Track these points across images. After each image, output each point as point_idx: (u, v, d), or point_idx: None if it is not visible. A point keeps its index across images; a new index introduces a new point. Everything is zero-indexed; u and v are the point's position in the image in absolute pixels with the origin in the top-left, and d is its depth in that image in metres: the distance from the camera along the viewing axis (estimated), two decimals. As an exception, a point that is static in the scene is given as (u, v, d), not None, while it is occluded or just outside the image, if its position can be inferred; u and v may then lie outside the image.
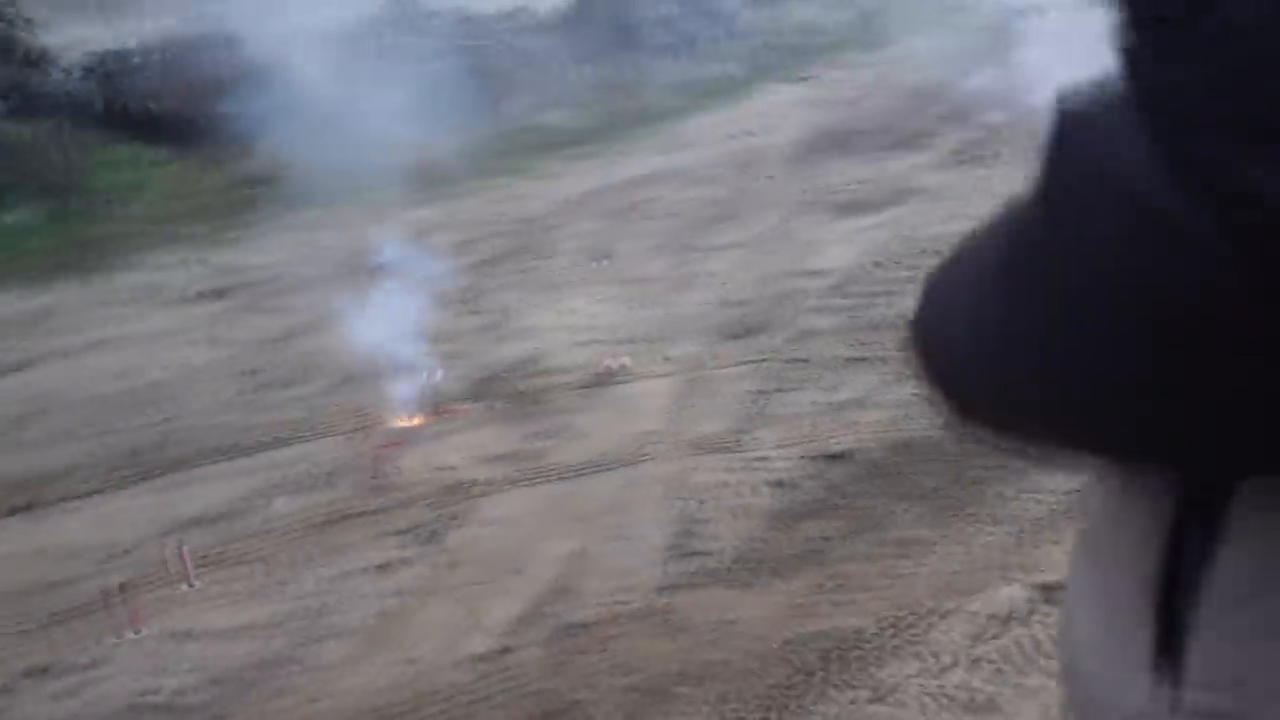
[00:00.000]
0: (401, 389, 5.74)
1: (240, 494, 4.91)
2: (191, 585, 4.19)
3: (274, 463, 5.19)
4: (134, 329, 6.77)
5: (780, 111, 12.72)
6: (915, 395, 5.45)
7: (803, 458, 5.18)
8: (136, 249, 8.16)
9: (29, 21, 9.70)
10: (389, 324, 6.71)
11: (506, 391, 5.91)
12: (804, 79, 14.60)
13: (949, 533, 4.54)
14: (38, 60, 9.46)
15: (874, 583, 4.20)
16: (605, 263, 7.82)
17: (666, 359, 6.32)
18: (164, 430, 5.52)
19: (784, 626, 3.96)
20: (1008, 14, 20.55)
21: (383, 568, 4.33)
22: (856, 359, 6.15)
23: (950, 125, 11.60)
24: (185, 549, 4.16)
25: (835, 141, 11.22)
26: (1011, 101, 12.83)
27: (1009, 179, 9.28)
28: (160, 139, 9.92)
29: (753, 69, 14.98)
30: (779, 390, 5.84)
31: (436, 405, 5.62)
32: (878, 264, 7.64)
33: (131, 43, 11.01)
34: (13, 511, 4.78)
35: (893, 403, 5.63)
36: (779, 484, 4.97)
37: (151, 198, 9.11)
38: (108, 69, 10.32)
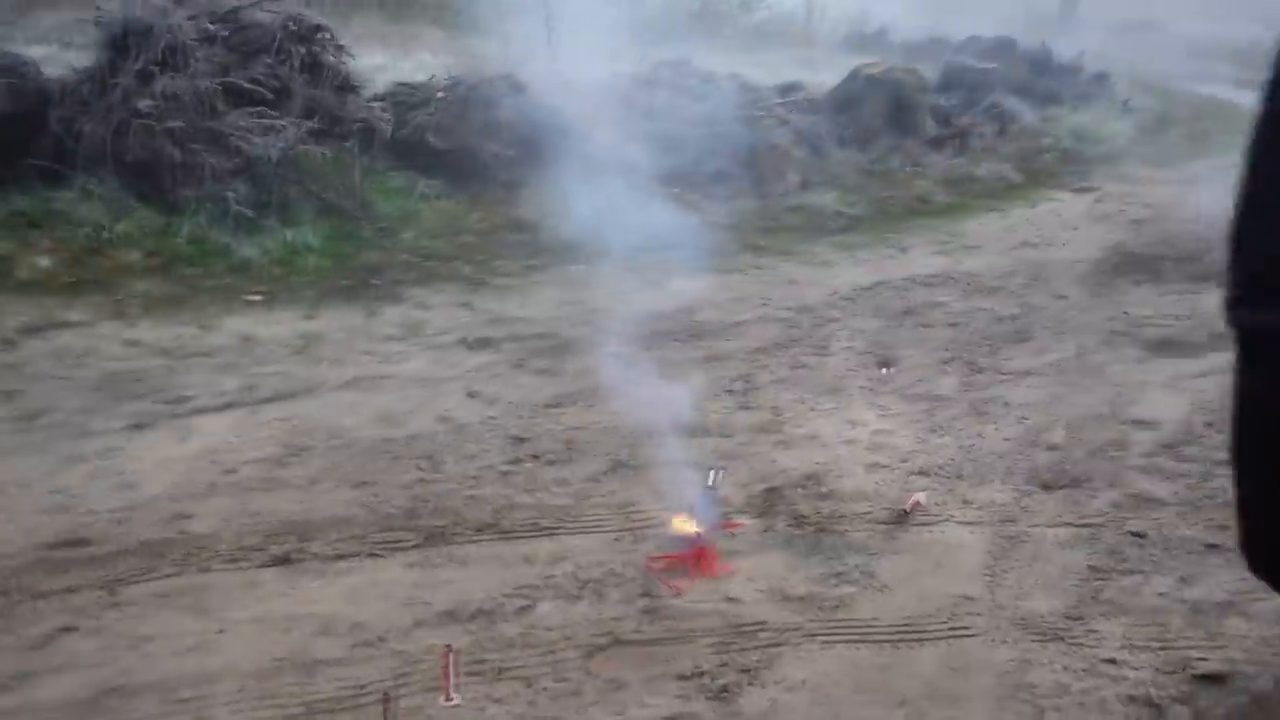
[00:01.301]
0: (677, 489, 5.14)
1: (500, 589, 4.38)
2: (450, 700, 3.65)
3: (536, 555, 4.66)
4: (396, 369, 6.49)
5: (1063, 223, 11.70)
6: (1299, 610, 4.39)
7: (1160, 671, 4.22)
8: (403, 282, 8.00)
9: (340, 48, 9.93)
10: (663, 407, 6.17)
11: (790, 512, 5.21)
12: (1084, 189, 13.51)
13: (1383, 823, 3.49)
14: (343, 85, 9.63)
15: None
16: (888, 371, 7.05)
17: (967, 502, 5.48)
18: (421, 493, 5.11)
19: None
20: (1306, 143, 18.73)
21: (666, 723, 3.67)
22: (1212, 546, 5.12)
23: (1263, 263, 10.22)
24: (452, 656, 3.62)
25: (1133, 265, 10.13)
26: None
27: (1350, 338, 7.93)
28: (436, 173, 9.91)
29: (1027, 172, 14.03)
30: (1117, 571, 4.90)
31: (713, 516, 4.97)
32: (1210, 424, 6.55)
33: (422, 76, 11.19)
34: (272, 562, 4.40)
35: (1269, 616, 4.59)
36: (1136, 701, 4.03)
37: (421, 230, 9.02)
38: (400, 99, 10.45)
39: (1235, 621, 4.55)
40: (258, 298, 7.72)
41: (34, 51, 10.46)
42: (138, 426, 5.76)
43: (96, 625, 4.09)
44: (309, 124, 9.18)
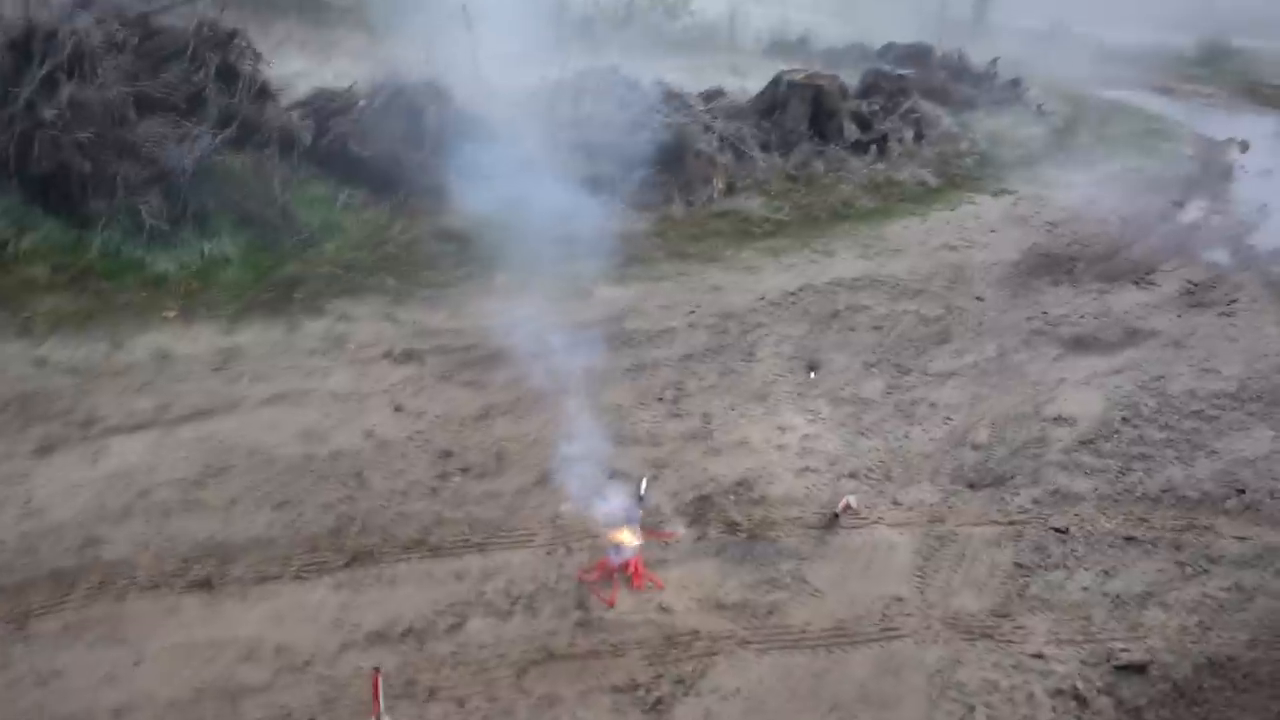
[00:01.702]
0: (606, 499, 5.10)
1: (430, 607, 4.30)
2: (380, 722, 3.56)
3: (466, 571, 4.59)
4: (318, 384, 6.35)
5: (982, 225, 11.94)
6: (1212, 598, 4.54)
7: (1085, 663, 4.32)
8: (325, 294, 7.82)
9: (257, 54, 9.68)
10: (589, 417, 6.13)
11: (722, 519, 5.21)
12: (1002, 193, 13.81)
13: (1297, 805, 3.61)
14: (261, 92, 9.39)
15: None
16: (814, 375, 7.11)
17: (896, 503, 5.55)
18: (347, 511, 5.00)
19: None
20: (1207, 144, 19.54)
21: (600, 738, 3.63)
22: (1131, 539, 5.27)
23: (1171, 261, 10.65)
24: (379, 677, 3.53)
25: (1050, 265, 10.38)
26: (1235, 241, 11.80)
27: (1255, 330, 8.30)
28: (358, 182, 9.72)
29: (945, 176, 14.28)
30: (1041, 567, 5.00)
31: (645, 526, 4.95)
32: (1126, 419, 6.75)
33: (343, 83, 10.97)
34: (192, 586, 4.26)
35: (1186, 605, 4.74)
36: (1062, 694, 4.12)
37: (343, 241, 8.84)
38: (320, 106, 10.24)
39: (1155, 612, 4.69)
40: (174, 313, 7.48)
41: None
42: (45, 449, 5.53)
43: (2, 661, 3.91)
44: (225, 133, 8.92)
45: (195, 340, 6.95)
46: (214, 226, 8.34)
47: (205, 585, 4.38)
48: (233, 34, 9.80)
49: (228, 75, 9.54)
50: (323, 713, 3.53)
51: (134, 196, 8.30)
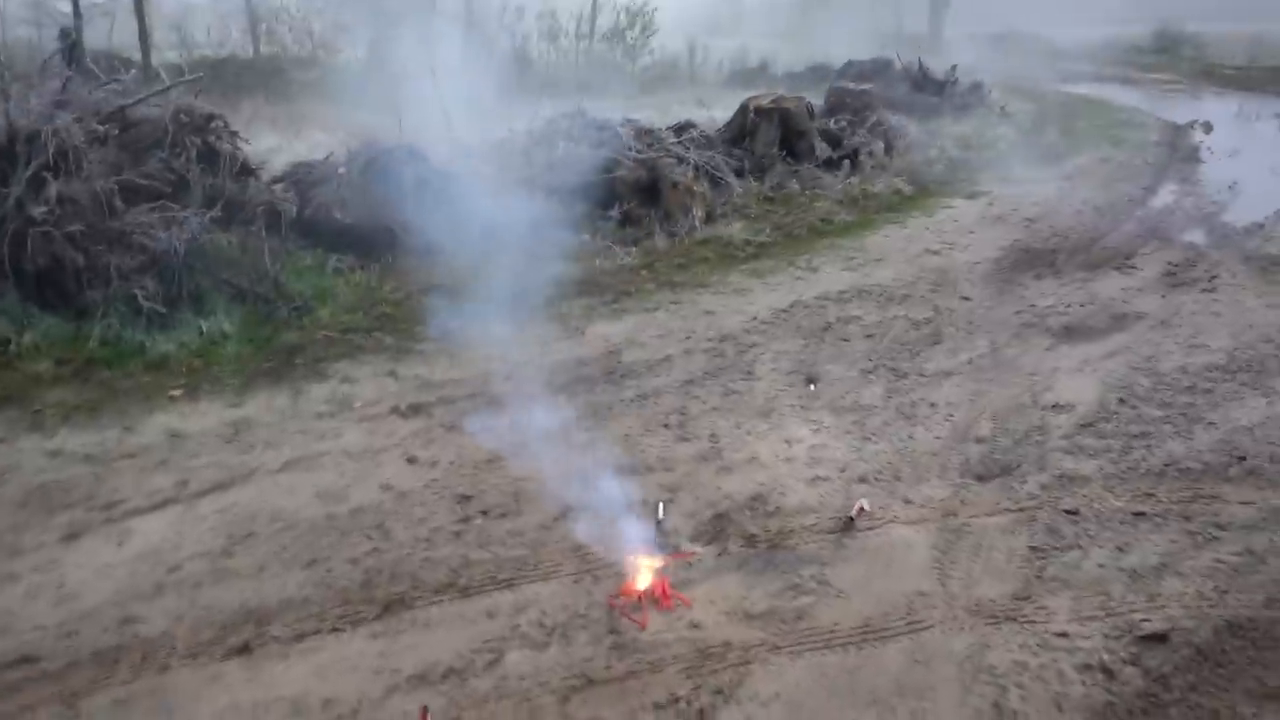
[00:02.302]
0: (626, 526, 5.21)
1: (466, 646, 4.38)
2: (433, 761, 3.64)
3: (498, 608, 4.68)
4: (330, 445, 6.45)
5: (961, 228, 12.18)
6: (1225, 564, 4.65)
7: (1108, 637, 4.42)
8: (326, 358, 7.95)
9: (234, 134, 9.88)
10: (601, 449, 6.26)
11: (740, 533, 5.32)
12: (976, 195, 14.08)
13: (1330, 748, 3.70)
14: (241, 170, 9.58)
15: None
16: (814, 387, 7.24)
17: (908, 502, 5.66)
18: (374, 564, 5.08)
19: None
20: (1172, 129, 19.93)
21: (649, 754, 3.71)
22: (1140, 514, 5.39)
23: (1149, 245, 10.88)
24: (429, 716, 3.62)
25: (1031, 260, 10.60)
26: (1209, 220, 12.05)
27: (1237, 303, 8.47)
28: (345, 248, 9.90)
29: (919, 184, 14.57)
30: (1056, 548, 5.11)
31: (666, 548, 5.05)
32: (1123, 400, 6.89)
33: (319, 154, 11.19)
34: (230, 654, 4.34)
35: (1201, 572, 4.85)
36: (1090, 669, 4.22)
37: (336, 306, 8.98)
38: (299, 178, 10.43)
39: (1171, 581, 4.80)
40: (179, 392, 7.59)
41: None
42: (71, 536, 5.62)
43: (57, 741, 3.99)
44: (211, 212, 9.09)
45: (204, 416, 7.06)
46: (209, 304, 8.48)
47: (244, 650, 4.46)
48: (210, 117, 10.02)
49: (209, 157, 9.73)
50: (376, 758, 3.60)
51: (128, 284, 8.44)
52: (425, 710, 3.75)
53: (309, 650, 4.48)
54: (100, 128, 9.47)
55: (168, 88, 10.75)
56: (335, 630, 4.61)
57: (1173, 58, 32.64)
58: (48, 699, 4.23)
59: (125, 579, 5.16)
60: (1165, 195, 13.68)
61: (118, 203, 8.87)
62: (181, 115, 9.89)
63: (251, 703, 4.14)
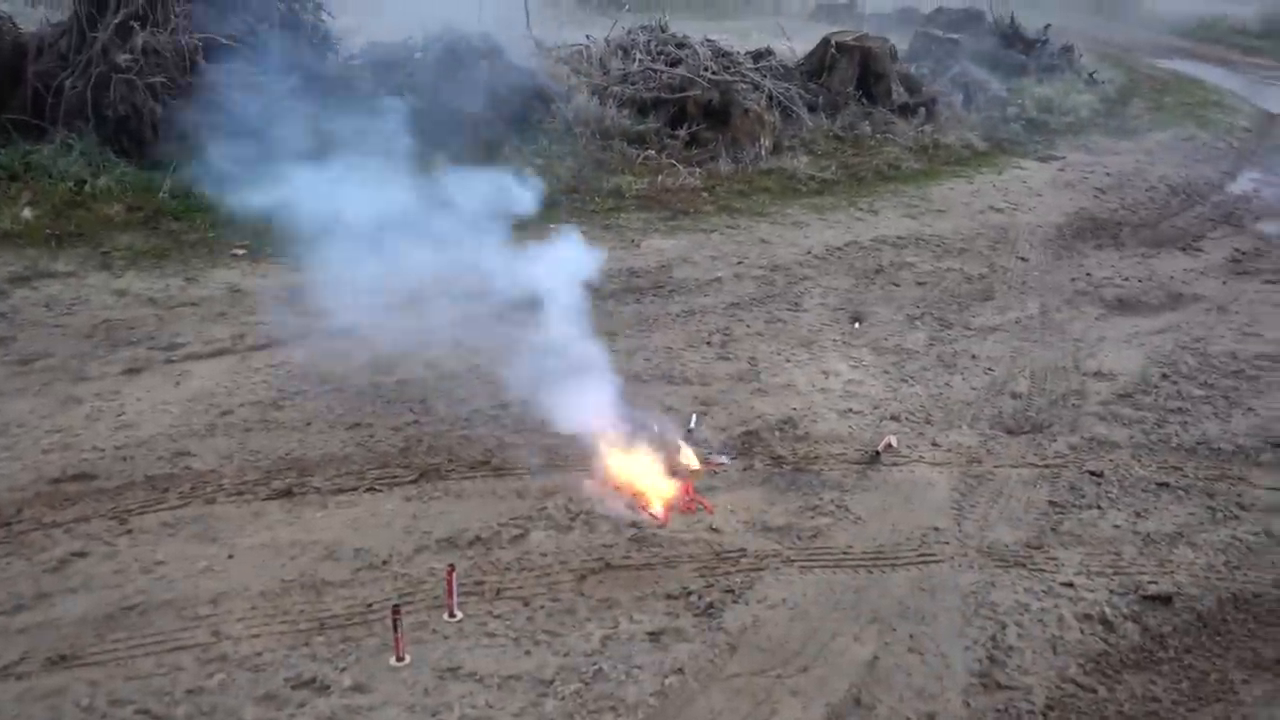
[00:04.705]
0: (660, 430, 5.37)
1: (494, 519, 4.60)
2: (453, 616, 3.87)
3: (527, 490, 4.88)
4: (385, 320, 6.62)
5: (1028, 190, 12.01)
6: (1241, 541, 4.72)
7: (1113, 593, 4.53)
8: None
9: (319, 6, 9.95)
10: (645, 354, 6.39)
11: (767, 452, 5.46)
12: (1049, 158, 13.83)
13: (1312, 723, 3.82)
14: (321, 43, 9.66)
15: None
16: (858, 326, 7.31)
17: (936, 445, 5.76)
18: (414, 433, 5.29)
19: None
20: (1264, 117, 19.31)
21: (655, 637, 3.92)
22: (1164, 485, 5.45)
23: (1219, 230, 10.68)
24: (454, 574, 3.84)
25: (1093, 230, 10.46)
26: (1282, 212, 11.76)
27: (1300, 299, 8.35)
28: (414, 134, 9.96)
29: (993, 141, 14.32)
30: (1075, 506, 5.20)
31: (695, 455, 5.21)
32: (1165, 376, 6.89)
33: (397, 37, 11.22)
34: (275, 495, 4.59)
35: (1215, 545, 4.93)
36: (1090, 619, 4.34)
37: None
38: (375, 58, 10.50)
39: (1184, 551, 4.88)
40: (242, 251, 7.82)
41: (4, 6, 10.40)
42: (133, 371, 5.89)
43: (109, 550, 4.27)
44: (289, 82, 9.20)
45: (264, 277, 7.27)
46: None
47: (287, 494, 4.71)
48: (295, -16, 10.07)
49: (292, 24, 9.82)
50: (402, 605, 3.83)
51: (203, 140, 8.60)
52: (452, 569, 3.96)
53: (346, 503, 4.72)
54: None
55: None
56: (372, 490, 4.85)
57: (1276, 43, 31.41)
58: (102, 513, 4.52)
59: (180, 417, 5.42)
60: (1245, 182, 13.35)
61: (200, 59, 9.01)
62: (268, -21, 9.96)
63: (290, 541, 4.39)
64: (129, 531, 4.37)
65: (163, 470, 4.88)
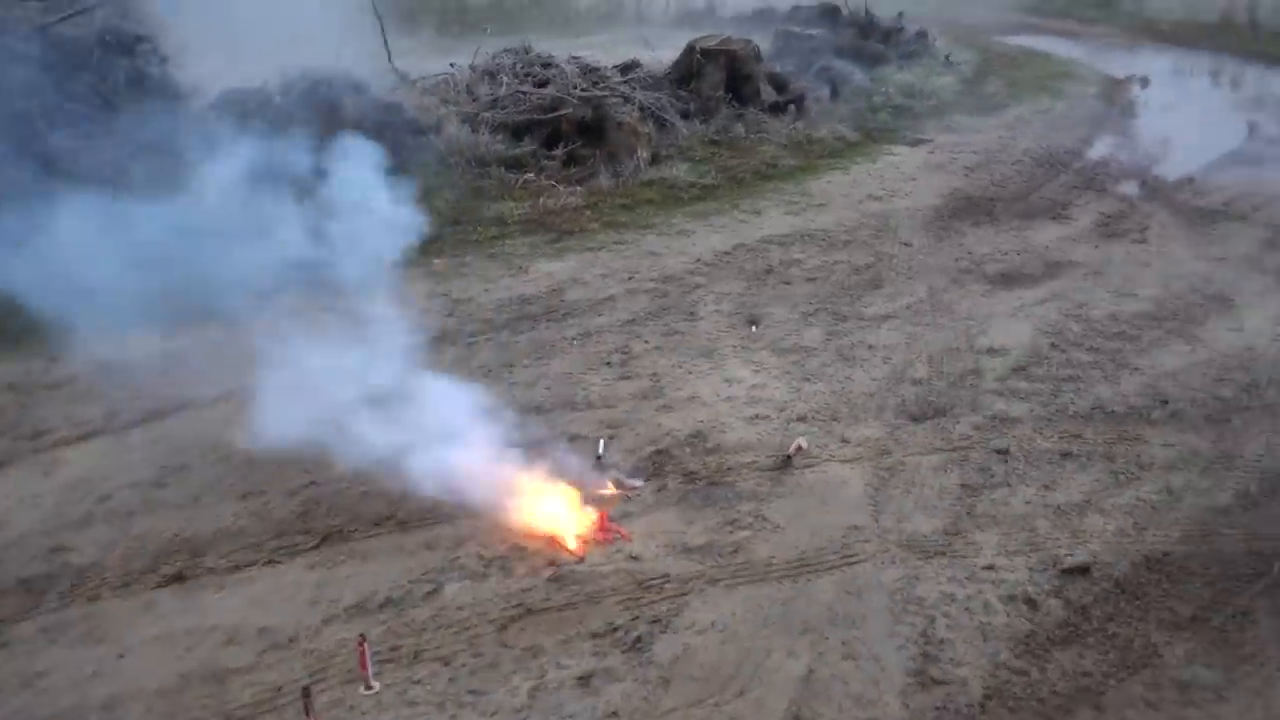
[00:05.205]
0: (566, 461, 5.23)
1: (404, 577, 4.40)
2: (370, 688, 3.66)
3: (437, 540, 4.68)
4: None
5: (902, 175, 12.25)
6: (1145, 501, 4.82)
7: (1033, 570, 4.57)
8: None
9: (164, 58, 9.54)
10: (545, 383, 6.25)
11: (679, 470, 5.37)
12: (918, 142, 14.15)
13: (1234, 677, 3.89)
14: (170, 98, 9.26)
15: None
16: (755, 329, 7.30)
17: (845, 441, 5.76)
18: (312, 494, 5.05)
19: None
20: (1109, 83, 20.19)
21: (585, 681, 3.78)
22: (1066, 454, 5.55)
23: (1084, 196, 11.06)
24: (366, 645, 3.63)
25: (970, 208, 10.72)
26: (1142, 173, 12.28)
27: (1166, 254, 8.69)
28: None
29: (863, 130, 14.59)
30: (986, 486, 5.25)
31: (606, 483, 5.09)
32: (1054, 345, 7.05)
33: (254, 82, 10.85)
34: (165, 582, 4.30)
35: (1121, 509, 5.03)
36: (1014, 599, 4.36)
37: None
38: (232, 105, 10.12)
39: (1094, 518, 4.96)
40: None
41: None
42: (-4, 466, 5.49)
43: (-17, 669, 3.92)
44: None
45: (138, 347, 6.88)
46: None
47: (179, 579, 4.43)
48: (138, 39, 9.64)
49: (137, 81, 9.39)
50: (313, 684, 3.60)
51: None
52: (363, 639, 3.75)
53: (245, 580, 4.45)
54: (19, 45, 9.06)
55: (91, 7, 10.30)
56: (272, 562, 4.59)
57: (1112, 12, 32.94)
58: None
59: (53, 508, 5.05)
60: (1101, 147, 13.89)
61: (40, 125, 8.52)
62: (107, 36, 9.50)
63: (185, 630, 4.11)
64: (3, 645, 4.02)
65: (38, 570, 4.53)
